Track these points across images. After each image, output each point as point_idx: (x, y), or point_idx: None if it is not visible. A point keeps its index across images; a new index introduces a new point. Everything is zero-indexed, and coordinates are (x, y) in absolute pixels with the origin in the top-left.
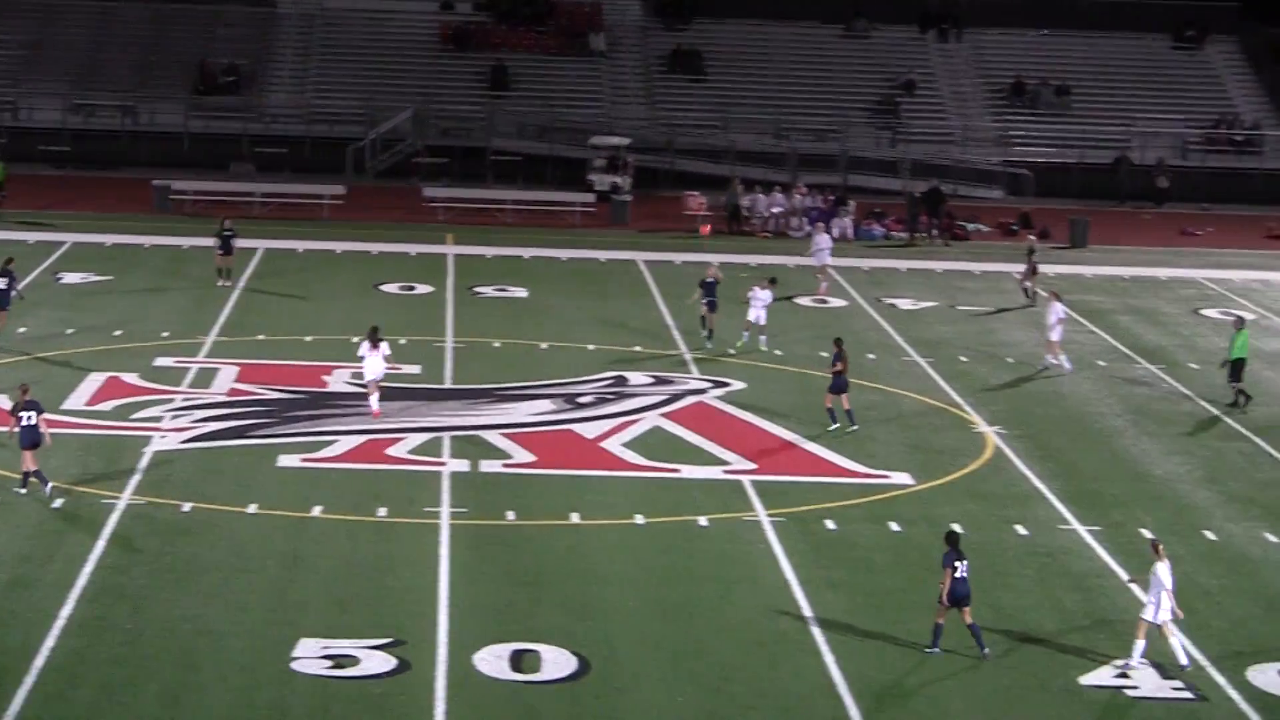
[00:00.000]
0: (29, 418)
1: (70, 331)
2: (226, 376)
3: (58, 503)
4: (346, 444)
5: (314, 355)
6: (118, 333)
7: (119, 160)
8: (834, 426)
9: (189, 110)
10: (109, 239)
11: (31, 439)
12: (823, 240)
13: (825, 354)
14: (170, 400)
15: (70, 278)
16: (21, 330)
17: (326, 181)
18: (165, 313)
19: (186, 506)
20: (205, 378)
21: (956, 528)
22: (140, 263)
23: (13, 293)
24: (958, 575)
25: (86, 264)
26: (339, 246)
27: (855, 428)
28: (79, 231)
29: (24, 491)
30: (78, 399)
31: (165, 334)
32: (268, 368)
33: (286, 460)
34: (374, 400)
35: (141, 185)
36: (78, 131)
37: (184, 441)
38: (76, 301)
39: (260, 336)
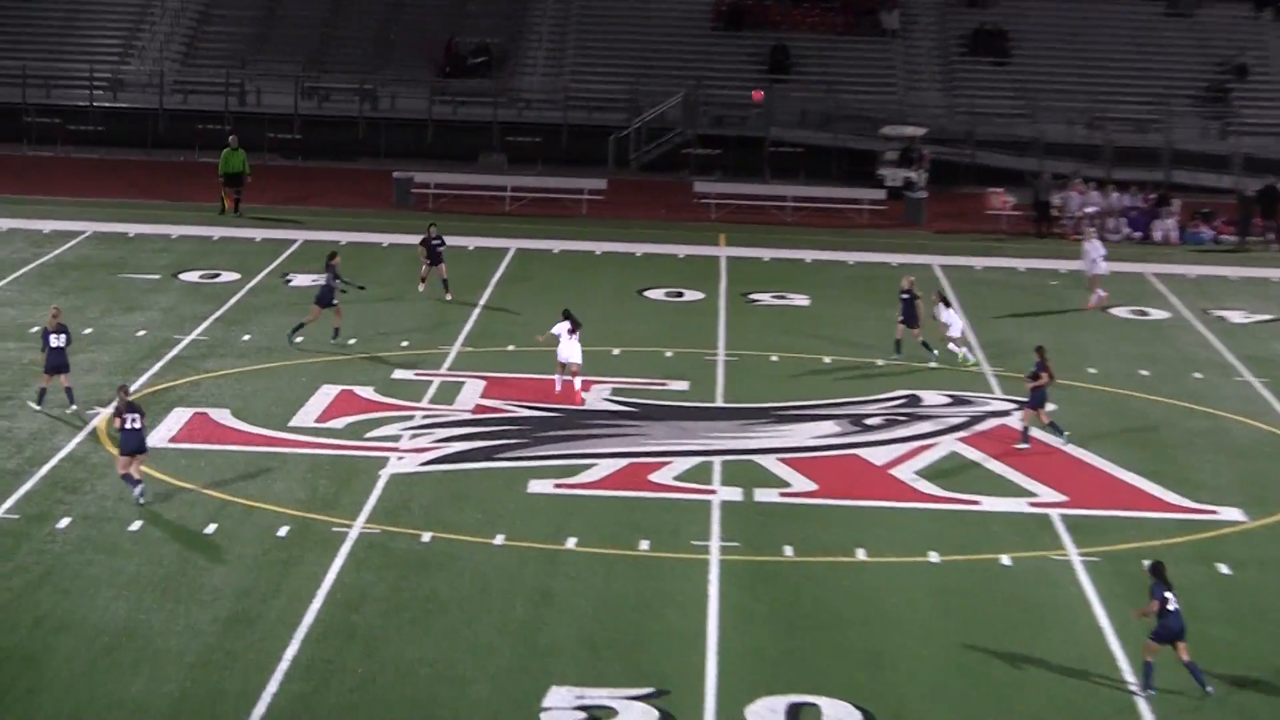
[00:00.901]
0: (133, 420)
1: (299, 340)
2: (472, 391)
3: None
4: (606, 468)
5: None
6: (352, 341)
7: (355, 150)
8: (1062, 438)
9: (433, 95)
10: (344, 237)
11: (134, 444)
12: (1094, 249)
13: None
14: (409, 417)
15: (300, 279)
16: (246, 338)
17: (585, 175)
18: (405, 320)
19: (426, 537)
20: (448, 393)
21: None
22: (378, 264)
23: (337, 285)
24: (1170, 608)
25: (319, 265)
26: (599, 247)
27: (1066, 435)
28: (311, 229)
29: (142, 500)
30: (307, 415)
31: (404, 344)
32: (518, 382)
33: (538, 486)
34: (577, 383)
35: (380, 178)
36: (310, 118)
37: (424, 464)
38: (307, 306)
39: (510, 347)
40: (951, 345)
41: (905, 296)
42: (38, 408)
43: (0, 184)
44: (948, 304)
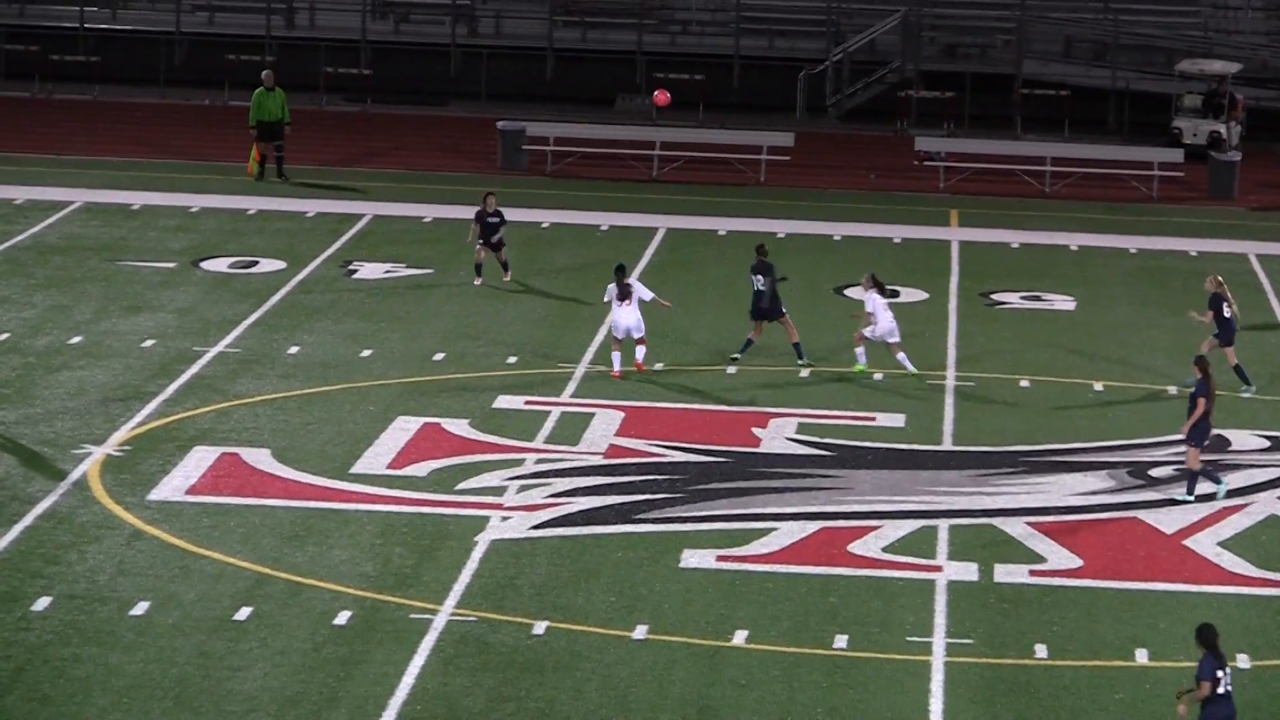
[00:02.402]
0: None
1: (366, 354)
2: (604, 426)
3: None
4: (789, 534)
5: (739, 395)
6: (439, 356)
7: (447, 91)
8: (1219, 488)
9: (554, 14)
10: (429, 211)
11: None
12: None
13: None
14: (518, 462)
15: (368, 270)
16: (292, 351)
17: (765, 127)
18: (513, 327)
19: (539, 627)
20: (572, 428)
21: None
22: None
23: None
24: (1220, 691)
25: (393, 250)
26: (782, 227)
27: (1221, 488)
28: (382, 199)
29: None
30: (376, 458)
31: (512, 359)
32: (667, 413)
33: (695, 558)
34: (615, 360)
35: (481, 129)
36: (384, 46)
37: (537, 526)
38: (377, 307)
39: (658, 366)
40: (897, 354)
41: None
42: None
43: None
44: (884, 290)
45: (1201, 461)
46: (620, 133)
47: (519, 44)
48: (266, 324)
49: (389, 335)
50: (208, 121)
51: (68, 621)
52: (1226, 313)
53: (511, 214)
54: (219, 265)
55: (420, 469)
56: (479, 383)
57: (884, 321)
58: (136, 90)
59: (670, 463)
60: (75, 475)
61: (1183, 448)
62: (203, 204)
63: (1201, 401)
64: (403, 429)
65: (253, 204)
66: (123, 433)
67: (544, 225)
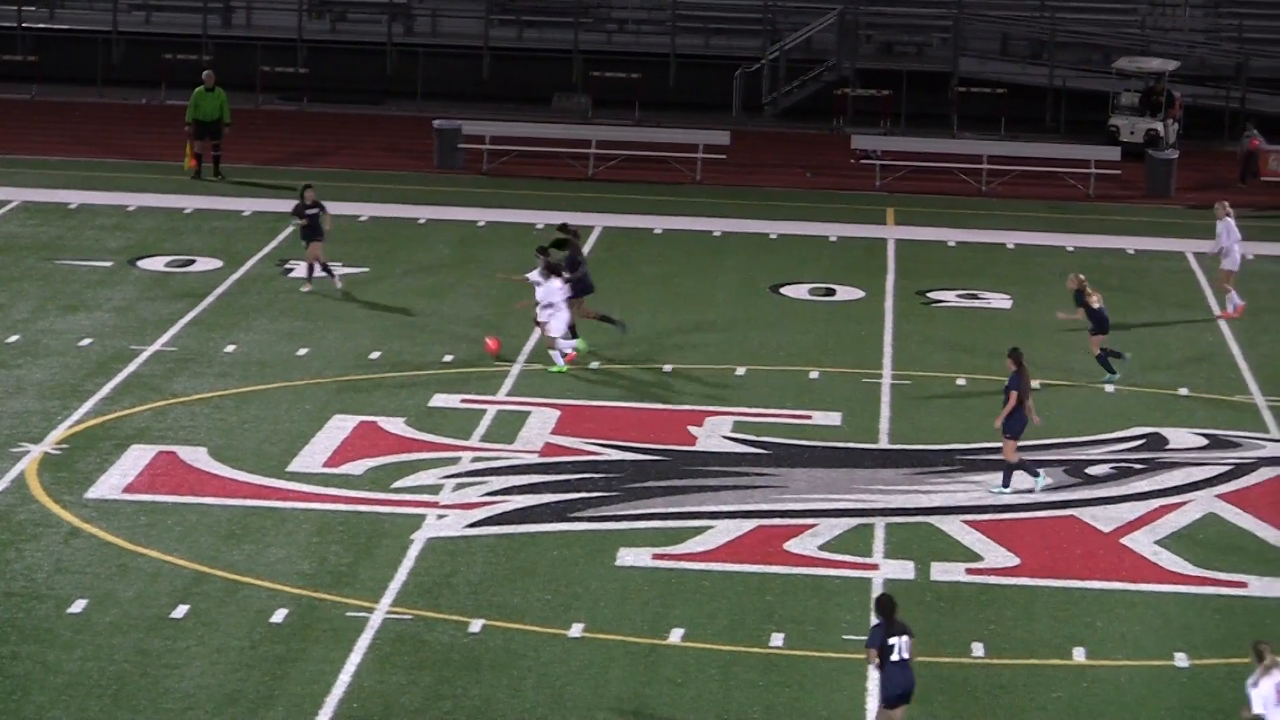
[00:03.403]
0: None
1: (303, 352)
2: (540, 424)
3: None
4: (725, 533)
5: (675, 394)
6: (375, 355)
7: (383, 89)
8: (1037, 482)
9: (491, 13)
10: (365, 210)
11: None
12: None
13: None
14: (453, 460)
15: (304, 269)
16: (229, 349)
17: (701, 125)
18: (449, 325)
19: (476, 625)
20: (507, 426)
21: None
22: (413, 247)
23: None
24: (894, 659)
25: (328, 248)
26: (718, 225)
27: (1040, 481)
28: (320, 198)
29: None
30: (313, 456)
31: (448, 357)
32: (603, 412)
33: (631, 556)
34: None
35: (417, 127)
36: (320, 45)
37: (473, 525)
38: (314, 306)
39: (594, 365)
40: (558, 342)
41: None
42: None
43: None
44: (558, 270)
45: (1018, 455)
46: (557, 131)
47: (456, 43)
48: (203, 323)
49: (325, 334)
50: (145, 120)
51: (5, 619)
52: (1096, 304)
53: (448, 212)
54: (156, 264)
55: (356, 467)
56: (415, 381)
57: (560, 319)
58: (74, 90)
59: (606, 461)
60: (13, 473)
61: (1119, 446)
62: (140, 203)
63: (1013, 394)
64: (339, 427)
65: (190, 203)
66: (60, 431)
67: (480, 224)
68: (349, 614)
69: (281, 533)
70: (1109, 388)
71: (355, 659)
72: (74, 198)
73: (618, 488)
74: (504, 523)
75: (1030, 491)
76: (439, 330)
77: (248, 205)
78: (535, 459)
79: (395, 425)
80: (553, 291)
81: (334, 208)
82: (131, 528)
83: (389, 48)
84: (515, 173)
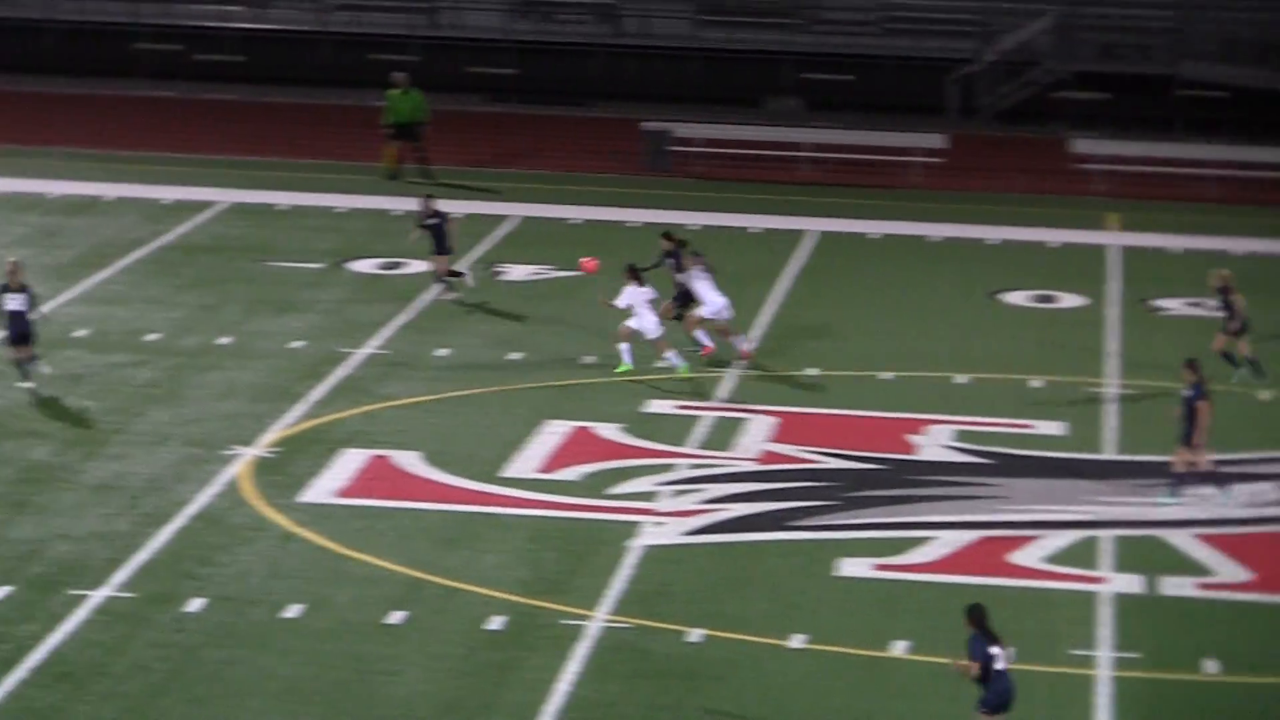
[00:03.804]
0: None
1: (516, 356)
2: (758, 432)
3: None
4: (948, 543)
5: (897, 402)
6: (589, 359)
7: (591, 90)
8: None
9: (700, 13)
10: (575, 212)
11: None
12: None
13: None
14: (669, 468)
15: (516, 272)
16: (441, 353)
17: (916, 128)
18: (666, 330)
19: (695, 635)
20: (724, 433)
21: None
22: (624, 251)
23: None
24: (997, 667)
25: (540, 251)
26: (935, 231)
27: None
28: (530, 200)
29: None
30: (527, 462)
31: (663, 363)
32: (822, 420)
33: (852, 566)
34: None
35: (626, 129)
36: (527, 45)
37: (690, 533)
38: (524, 308)
39: (811, 370)
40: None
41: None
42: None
43: (103, 135)
44: (642, 282)
45: (1189, 466)
46: (768, 134)
47: (664, 44)
48: (415, 326)
49: (538, 338)
50: (352, 121)
51: (220, 624)
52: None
53: (657, 216)
54: (367, 266)
55: (572, 473)
56: (631, 386)
57: (648, 319)
58: (282, 90)
59: (826, 469)
60: (225, 476)
61: None
62: (349, 204)
63: (1202, 405)
64: (553, 433)
65: (399, 204)
66: (272, 434)
67: (691, 227)
68: (566, 622)
69: (497, 539)
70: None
71: (574, 668)
72: (283, 199)
73: (837, 496)
74: (722, 531)
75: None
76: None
77: (458, 208)
78: (754, 466)
79: (610, 431)
80: (632, 295)
81: (545, 210)
82: (346, 532)
83: (597, 48)
84: (726, 175)
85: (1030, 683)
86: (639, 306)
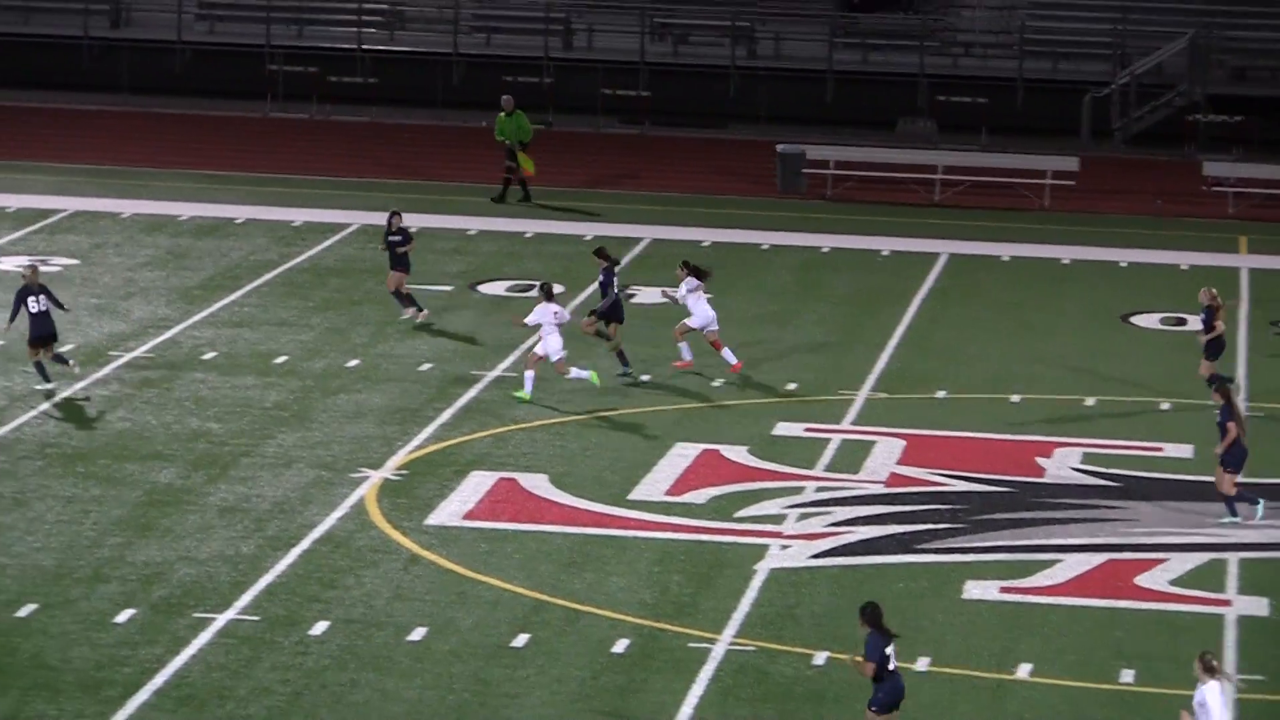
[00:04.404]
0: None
1: (644, 379)
2: (885, 454)
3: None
4: (1074, 566)
5: (1023, 424)
6: (717, 383)
7: (725, 112)
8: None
9: (834, 36)
10: (708, 234)
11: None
12: None
13: None
14: (797, 490)
15: (646, 294)
16: (570, 376)
17: (1048, 150)
18: (793, 352)
19: (820, 658)
20: (852, 456)
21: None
22: (756, 273)
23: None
24: (890, 666)
25: (671, 273)
26: (1066, 253)
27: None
28: (660, 222)
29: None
30: (655, 484)
31: (792, 385)
32: (950, 443)
33: (977, 589)
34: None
35: (759, 151)
36: (661, 67)
37: (817, 555)
38: (657, 333)
39: (940, 393)
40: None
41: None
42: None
43: (236, 157)
44: (701, 277)
45: (1236, 488)
46: (901, 156)
47: (798, 66)
48: None
49: (668, 360)
50: (484, 143)
51: (345, 646)
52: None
53: (791, 238)
54: (497, 288)
55: (699, 496)
56: (758, 409)
57: (700, 312)
58: (414, 112)
59: (953, 492)
60: (352, 499)
61: None
62: (480, 226)
63: (1231, 426)
64: (681, 455)
65: (529, 226)
66: (400, 456)
67: (824, 250)
68: (691, 645)
69: (622, 561)
70: None
71: (698, 690)
72: (413, 221)
73: (964, 519)
74: (848, 554)
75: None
76: (782, 357)
77: (588, 229)
78: (881, 489)
79: (738, 454)
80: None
81: (674, 232)
82: (471, 555)
83: (731, 71)
84: (859, 198)
85: (1158, 704)
86: (546, 326)
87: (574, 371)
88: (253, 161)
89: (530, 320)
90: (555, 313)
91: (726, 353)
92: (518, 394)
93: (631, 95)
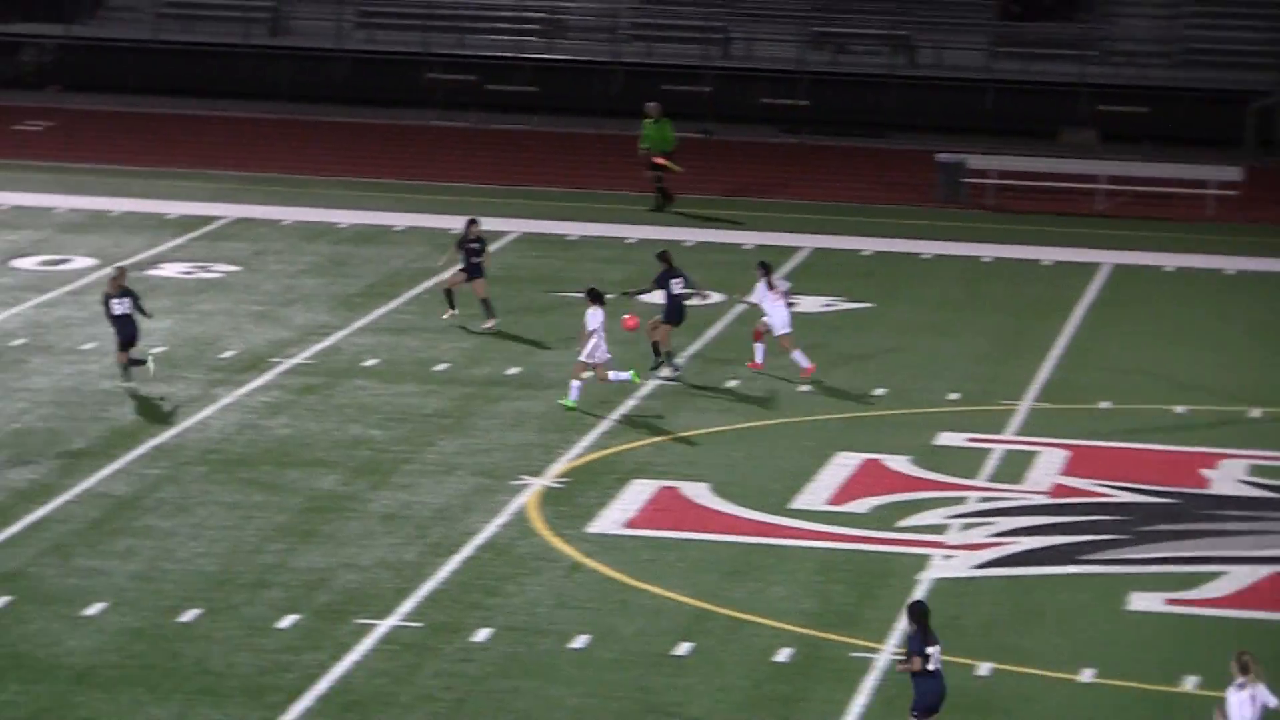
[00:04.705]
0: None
1: (806, 388)
2: (1048, 465)
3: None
4: (1240, 578)
5: (1188, 435)
6: (880, 391)
7: (885, 121)
8: None
9: (995, 45)
10: (868, 244)
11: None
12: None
13: None
14: (959, 500)
15: (808, 303)
16: (732, 384)
17: (1213, 160)
18: (955, 362)
19: (984, 668)
20: (1015, 466)
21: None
22: (916, 283)
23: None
24: (930, 667)
25: (831, 282)
26: (1231, 264)
27: None
28: (821, 231)
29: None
30: (816, 493)
31: (954, 395)
32: (1113, 453)
33: (1143, 601)
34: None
35: (919, 161)
36: (820, 76)
37: (980, 566)
38: (815, 339)
39: (1103, 404)
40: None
41: None
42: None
43: (396, 165)
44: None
45: None
46: (1062, 166)
47: (958, 75)
48: (706, 356)
49: (829, 370)
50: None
51: (507, 654)
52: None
53: (952, 248)
54: (657, 297)
55: (861, 505)
56: (920, 419)
57: (776, 316)
58: (574, 120)
59: (1117, 503)
60: (514, 507)
61: None
62: (640, 235)
63: None
64: (843, 465)
65: (690, 235)
66: (561, 464)
67: (985, 259)
68: (853, 654)
69: (784, 570)
70: None
71: (860, 701)
72: (572, 229)
73: (1129, 530)
74: (1012, 564)
75: None
76: (944, 367)
77: (749, 238)
78: (1044, 500)
79: (900, 463)
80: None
81: (834, 241)
82: (633, 563)
83: (891, 79)
84: (1020, 208)
85: None
86: (595, 333)
87: (612, 375)
88: (412, 169)
89: (589, 326)
90: (597, 318)
91: (798, 355)
92: (563, 401)
93: (790, 104)
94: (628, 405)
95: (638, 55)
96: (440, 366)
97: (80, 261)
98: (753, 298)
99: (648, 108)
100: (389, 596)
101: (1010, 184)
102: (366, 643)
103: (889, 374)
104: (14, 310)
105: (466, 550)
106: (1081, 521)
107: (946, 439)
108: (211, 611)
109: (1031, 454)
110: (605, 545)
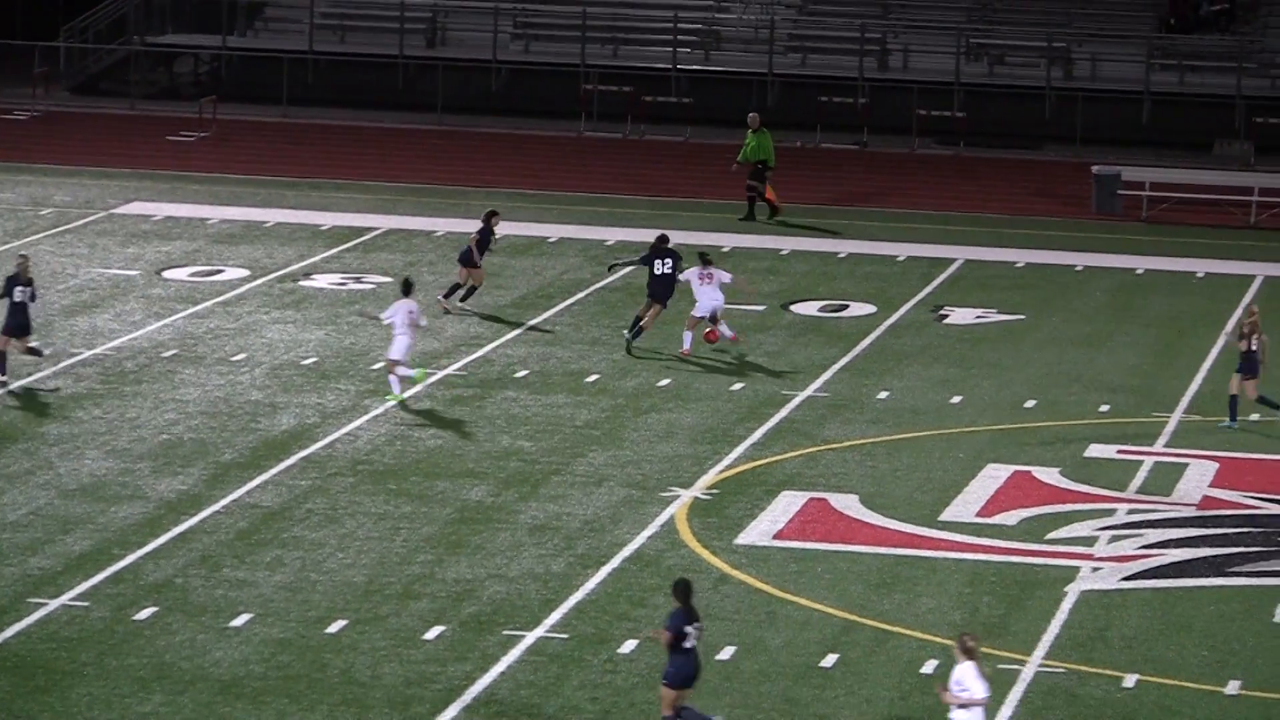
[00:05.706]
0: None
1: (956, 400)
2: (1198, 478)
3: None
4: None
5: None
6: (1030, 403)
7: (1040, 133)
8: None
9: (1152, 58)
10: (1021, 256)
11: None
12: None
13: None
14: (1109, 512)
15: (959, 315)
16: (882, 395)
17: None
18: (1106, 374)
19: (1130, 680)
20: (1164, 478)
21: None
22: (1070, 294)
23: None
24: (687, 644)
25: (983, 294)
26: None
27: None
28: (974, 243)
29: None
30: (966, 505)
31: (1104, 407)
32: (1264, 465)
33: None
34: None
35: (1074, 172)
36: (976, 88)
37: (1128, 578)
38: (968, 353)
39: (1254, 416)
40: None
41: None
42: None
43: (550, 176)
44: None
45: None
46: (1217, 178)
47: (1115, 87)
48: (856, 368)
49: (980, 381)
50: (799, 164)
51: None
52: (1254, 345)
53: (1106, 259)
54: (809, 309)
55: (1010, 517)
56: (1071, 431)
57: (702, 298)
58: (726, 132)
59: (1267, 515)
60: (663, 518)
61: None
62: (792, 246)
63: None
64: (993, 477)
65: (842, 247)
66: (710, 476)
67: (1139, 271)
68: (1001, 665)
69: (932, 582)
70: None
71: (1006, 712)
72: (727, 240)
73: (1276, 542)
74: (1160, 576)
75: None
76: (1095, 379)
77: (902, 250)
78: (1193, 512)
79: (1050, 475)
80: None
81: (989, 253)
82: (781, 575)
83: (1047, 91)
84: (1174, 220)
85: None
86: (399, 325)
87: (400, 372)
88: (566, 180)
89: (385, 317)
90: (410, 312)
91: (723, 327)
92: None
93: (946, 116)
94: (778, 417)
95: (792, 67)
96: (591, 378)
97: (232, 273)
98: (683, 277)
99: (749, 119)
100: (536, 607)
101: (1165, 196)
102: (513, 654)
103: (1040, 386)
104: (165, 321)
105: (614, 562)
106: (1230, 534)
107: (1096, 451)
108: (358, 622)
109: (1181, 466)
110: (753, 557)
